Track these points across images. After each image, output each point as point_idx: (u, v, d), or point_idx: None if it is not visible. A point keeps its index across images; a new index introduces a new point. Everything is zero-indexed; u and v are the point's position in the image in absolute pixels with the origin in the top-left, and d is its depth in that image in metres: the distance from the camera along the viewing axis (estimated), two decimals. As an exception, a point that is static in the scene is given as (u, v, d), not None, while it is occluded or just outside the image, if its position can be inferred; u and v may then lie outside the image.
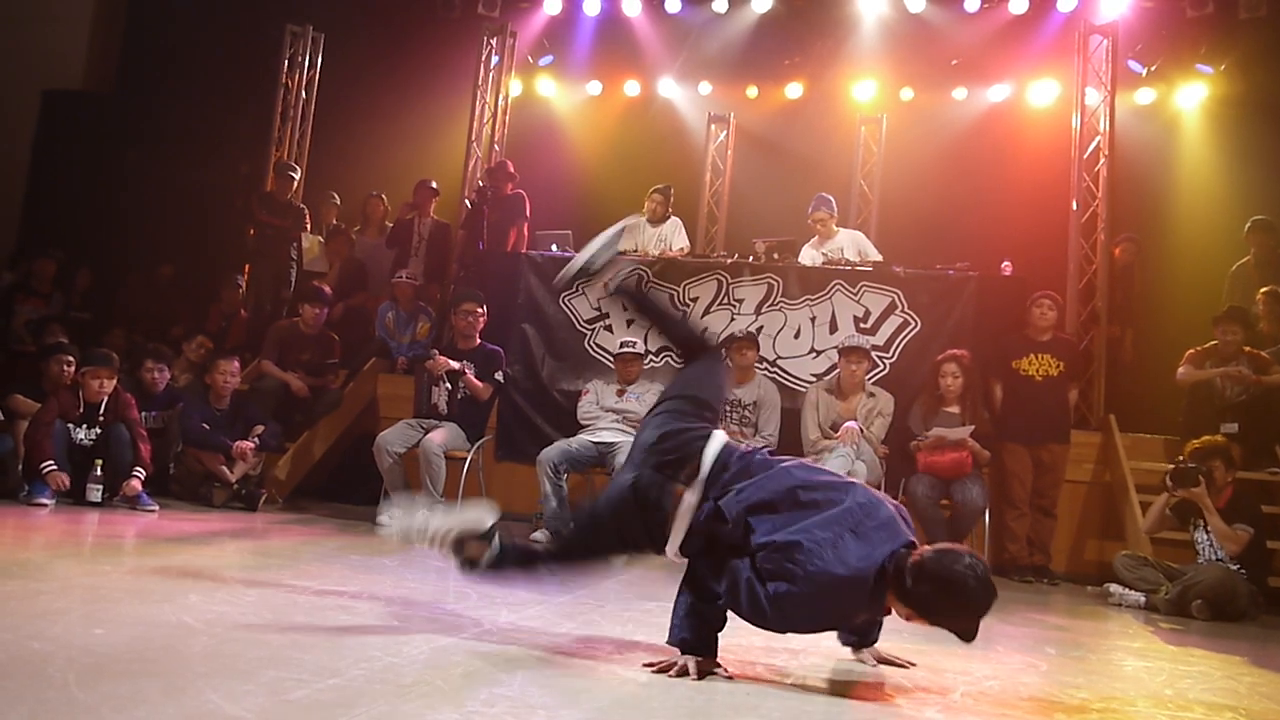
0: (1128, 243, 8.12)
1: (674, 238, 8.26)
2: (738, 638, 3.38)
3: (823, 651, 3.34)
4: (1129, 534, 6.24)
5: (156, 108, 10.41)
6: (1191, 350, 6.78)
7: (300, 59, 9.68)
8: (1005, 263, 7.40)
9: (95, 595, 3.15)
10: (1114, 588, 5.62)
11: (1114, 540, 6.47)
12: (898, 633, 3.97)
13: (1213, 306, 7.18)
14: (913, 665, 3.14)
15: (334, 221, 9.31)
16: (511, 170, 8.70)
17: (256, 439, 6.50)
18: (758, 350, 6.61)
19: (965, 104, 10.27)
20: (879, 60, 10.14)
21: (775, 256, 7.31)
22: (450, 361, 6.55)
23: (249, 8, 10.18)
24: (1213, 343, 6.71)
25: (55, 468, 5.64)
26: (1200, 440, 5.82)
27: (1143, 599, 5.46)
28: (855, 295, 6.97)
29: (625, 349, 6.59)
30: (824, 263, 7.34)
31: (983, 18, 9.72)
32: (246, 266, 9.15)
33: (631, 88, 10.97)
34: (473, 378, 6.50)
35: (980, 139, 9.81)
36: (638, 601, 4.07)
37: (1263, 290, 7.13)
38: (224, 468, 6.37)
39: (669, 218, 8.39)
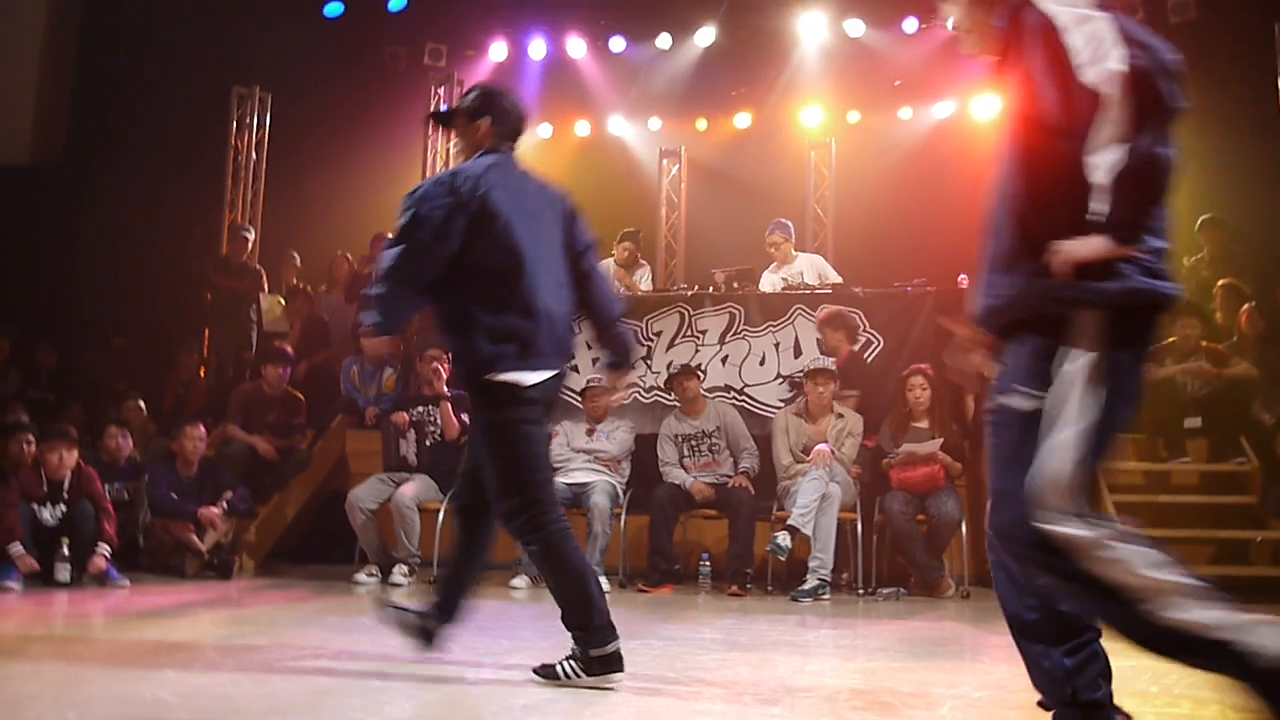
0: None
1: (642, 281, 8.28)
2: (726, 669, 3.37)
3: (810, 675, 3.33)
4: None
5: (106, 177, 10.33)
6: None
7: (249, 120, 9.69)
8: (962, 275, 7.49)
9: (68, 677, 3.08)
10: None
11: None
12: (883, 651, 3.98)
13: (1167, 305, 7.29)
14: None
15: (294, 281, 9.27)
16: (467, 218, 8.70)
17: (225, 504, 6.41)
18: (699, 380, 6.64)
19: (911, 123, 10.44)
20: (824, 86, 10.30)
21: (735, 286, 7.36)
22: (406, 415, 6.55)
23: (194, 72, 10.17)
24: (1170, 339, 6.81)
25: (22, 551, 5.54)
26: None
27: None
28: (817, 318, 7.02)
29: (591, 385, 6.60)
30: (784, 287, 7.40)
31: (921, 38, 9.91)
32: (206, 331, 9.08)
33: (582, 128, 11.06)
34: (448, 407, 6.46)
35: (929, 156, 9.96)
36: (622, 641, 4.03)
37: (1220, 283, 7.27)
38: (194, 536, 6.28)
39: (641, 264, 8.41)
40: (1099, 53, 1.92)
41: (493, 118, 3.33)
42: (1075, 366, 2.00)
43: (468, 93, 3.48)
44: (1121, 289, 2.00)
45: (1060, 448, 1.97)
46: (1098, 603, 2.00)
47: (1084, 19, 1.96)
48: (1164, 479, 6.69)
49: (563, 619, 3.06)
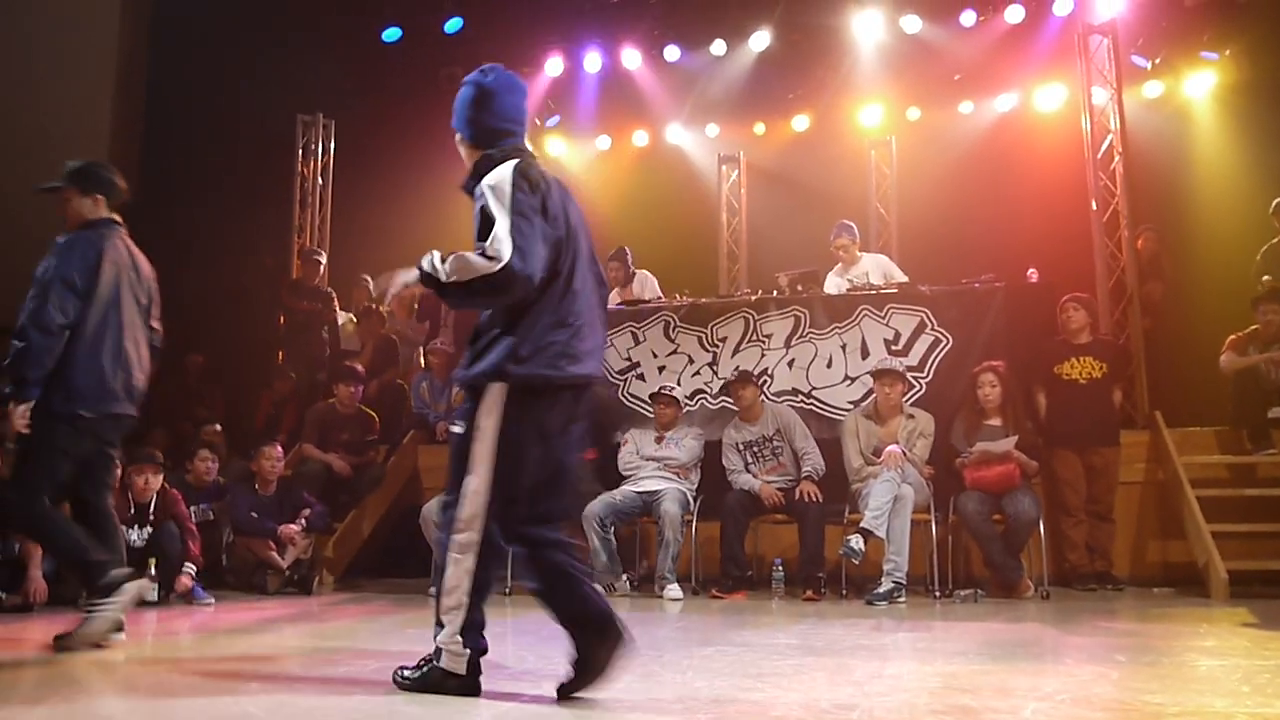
0: (1148, 233, 8.06)
1: (644, 292, 8.33)
2: (802, 675, 3.35)
3: (887, 679, 3.30)
4: (1189, 531, 6.12)
5: (179, 212, 10.62)
6: (1232, 336, 6.68)
7: (313, 147, 9.91)
8: (1031, 270, 7.35)
9: (158, 694, 3.17)
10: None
11: (1175, 539, 6.34)
12: (962, 654, 3.91)
13: (1245, 290, 7.09)
14: None
15: (365, 303, 9.44)
16: (528, 232, 8.79)
17: (303, 520, 6.56)
18: (755, 387, 6.60)
19: (973, 117, 10.29)
20: (882, 84, 10.20)
21: (799, 288, 7.31)
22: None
23: (258, 104, 10.42)
24: (1253, 327, 6.62)
25: None
26: None
27: None
28: (883, 318, 6.95)
29: (663, 392, 6.61)
30: (849, 289, 7.34)
31: (980, 31, 9.75)
32: (280, 353, 9.28)
33: (640, 138, 11.11)
34: None
35: (992, 150, 9.80)
36: (696, 648, 4.04)
37: None
38: (275, 554, 6.42)
39: (634, 275, 8.48)
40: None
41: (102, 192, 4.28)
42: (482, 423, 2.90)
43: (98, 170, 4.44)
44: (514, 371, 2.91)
45: (470, 483, 2.91)
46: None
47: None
48: (1249, 472, 6.49)
49: (79, 578, 4.10)
